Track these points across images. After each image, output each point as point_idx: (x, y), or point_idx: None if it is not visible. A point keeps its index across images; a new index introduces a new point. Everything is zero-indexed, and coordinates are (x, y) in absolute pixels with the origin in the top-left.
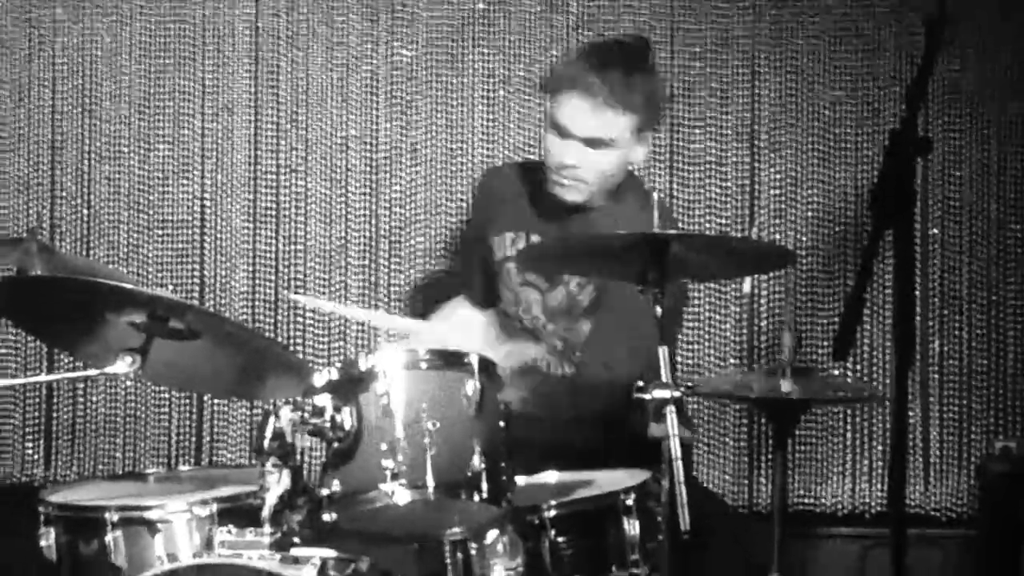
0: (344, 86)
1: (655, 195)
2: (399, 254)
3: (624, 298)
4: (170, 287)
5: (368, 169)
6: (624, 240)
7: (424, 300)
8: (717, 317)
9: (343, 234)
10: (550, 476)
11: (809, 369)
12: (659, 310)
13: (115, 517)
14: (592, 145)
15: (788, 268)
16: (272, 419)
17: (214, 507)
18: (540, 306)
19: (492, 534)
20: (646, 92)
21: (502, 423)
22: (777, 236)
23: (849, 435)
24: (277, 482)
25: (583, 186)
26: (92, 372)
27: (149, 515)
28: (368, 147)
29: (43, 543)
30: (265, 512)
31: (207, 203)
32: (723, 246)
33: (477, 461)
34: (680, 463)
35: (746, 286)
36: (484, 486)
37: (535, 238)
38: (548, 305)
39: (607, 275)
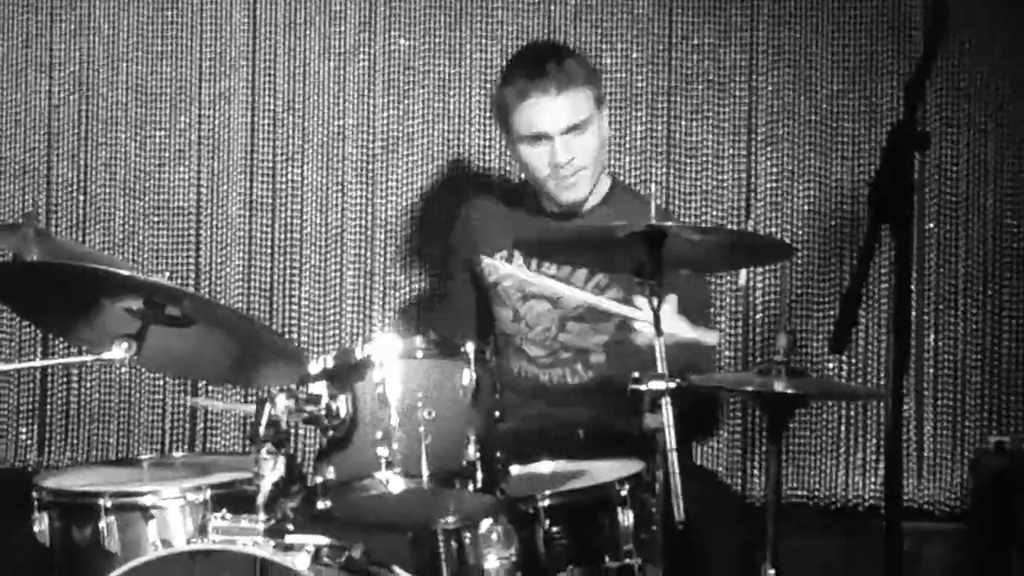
0: (341, 75)
1: (652, 187)
2: (395, 243)
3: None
4: (166, 274)
5: (365, 158)
6: (620, 232)
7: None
8: (712, 311)
9: (339, 223)
10: (544, 466)
11: (804, 370)
12: (656, 301)
13: (109, 503)
14: (573, 132)
15: (784, 263)
16: (267, 406)
17: (208, 493)
18: (551, 317)
19: (486, 523)
20: (582, 66)
21: (497, 412)
22: (773, 229)
23: (843, 428)
24: (272, 469)
25: (584, 174)
26: (87, 358)
27: (143, 501)
28: (365, 136)
29: (36, 528)
30: (259, 499)
31: (203, 191)
32: (719, 237)
33: (472, 450)
34: (675, 454)
35: (741, 279)
36: (479, 475)
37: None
38: (562, 313)
39: (604, 270)
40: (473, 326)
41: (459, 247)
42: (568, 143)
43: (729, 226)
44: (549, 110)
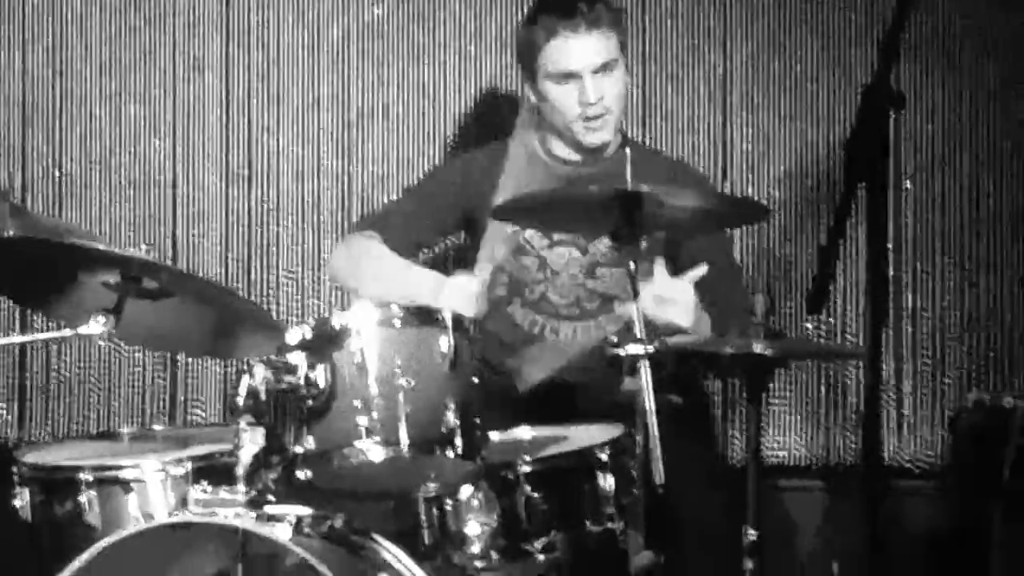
0: (316, 44)
1: (627, 150)
2: (371, 213)
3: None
4: (143, 247)
5: (340, 128)
6: (597, 195)
7: None
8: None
9: (315, 192)
10: (524, 432)
11: (782, 332)
12: (632, 265)
13: (89, 477)
14: (603, 71)
15: (759, 223)
16: (246, 377)
17: (188, 466)
18: (580, 261)
19: (467, 490)
20: (610, 9)
21: (476, 379)
22: (749, 191)
23: (822, 389)
24: (251, 440)
25: (610, 118)
26: (65, 332)
27: (124, 474)
28: (340, 105)
29: (17, 503)
30: (240, 470)
31: (179, 163)
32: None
33: (451, 418)
34: (654, 417)
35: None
36: (458, 442)
37: None
38: (593, 257)
39: (583, 231)
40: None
41: (450, 181)
42: (598, 83)
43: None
44: (579, 48)
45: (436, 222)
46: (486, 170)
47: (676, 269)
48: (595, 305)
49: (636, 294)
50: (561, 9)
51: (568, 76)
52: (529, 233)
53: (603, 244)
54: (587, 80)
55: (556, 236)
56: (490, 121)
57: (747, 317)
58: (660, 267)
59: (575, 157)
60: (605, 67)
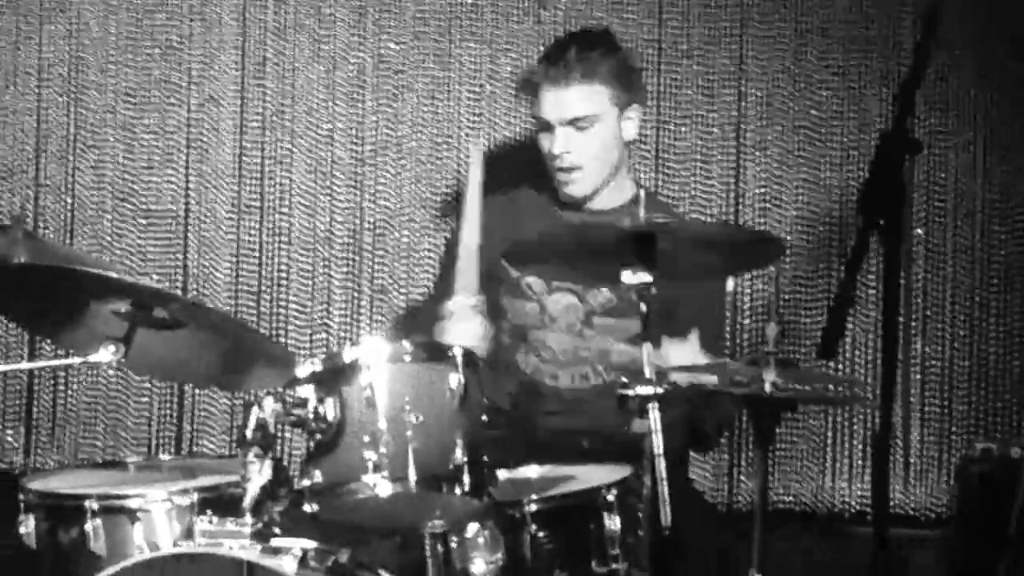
0: (331, 78)
1: (641, 191)
2: (383, 247)
3: (693, 292)
4: (154, 277)
5: (354, 162)
6: (610, 234)
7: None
8: (724, 342)
9: (327, 227)
10: (531, 471)
11: (794, 361)
12: (643, 307)
13: (95, 505)
14: (575, 126)
15: (773, 265)
16: (255, 409)
17: (195, 496)
18: (578, 309)
19: (473, 527)
20: (608, 63)
21: (485, 417)
22: None
23: (830, 434)
24: (259, 472)
25: (580, 173)
26: (75, 360)
27: (129, 504)
28: (354, 140)
29: (23, 530)
30: (246, 502)
31: (192, 193)
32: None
33: (459, 454)
34: (662, 459)
35: (729, 285)
36: (466, 479)
37: None
38: (590, 306)
39: (596, 272)
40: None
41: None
42: (566, 136)
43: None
44: (553, 99)
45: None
46: (503, 217)
47: (672, 323)
48: (590, 354)
49: (648, 337)
50: (555, 54)
51: (546, 124)
52: (530, 279)
53: (602, 295)
54: (559, 132)
55: (555, 283)
56: (503, 160)
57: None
58: None
59: (586, 206)
60: (576, 122)
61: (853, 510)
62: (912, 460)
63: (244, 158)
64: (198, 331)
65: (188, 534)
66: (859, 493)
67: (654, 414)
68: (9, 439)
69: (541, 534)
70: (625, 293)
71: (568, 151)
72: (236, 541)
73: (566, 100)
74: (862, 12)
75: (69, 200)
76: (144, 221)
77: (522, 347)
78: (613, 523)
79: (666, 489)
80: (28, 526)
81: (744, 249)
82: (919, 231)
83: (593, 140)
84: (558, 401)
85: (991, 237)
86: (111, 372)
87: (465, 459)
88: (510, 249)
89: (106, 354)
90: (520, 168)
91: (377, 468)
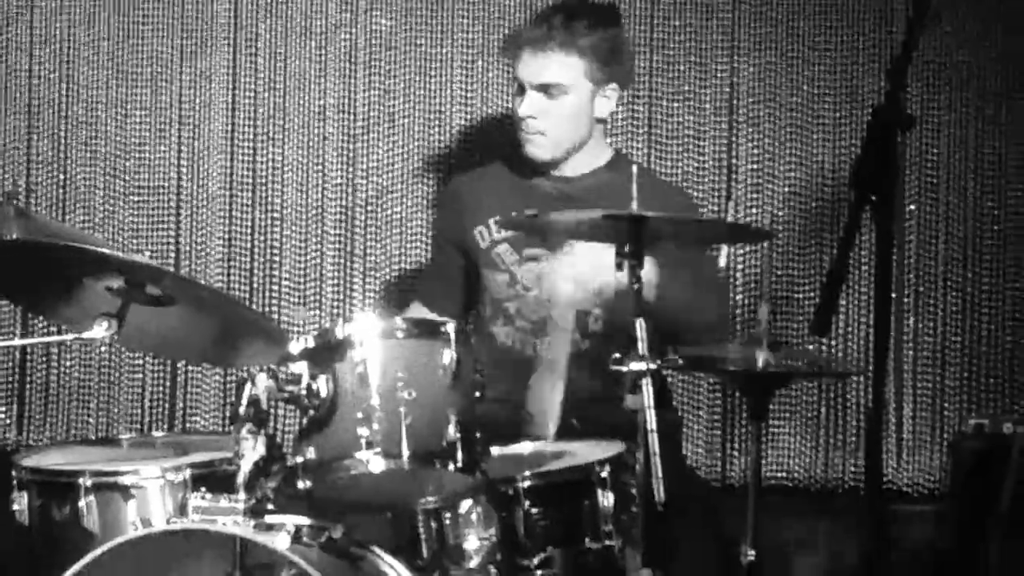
0: (322, 54)
1: (634, 167)
2: (376, 223)
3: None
4: (146, 253)
5: (345, 138)
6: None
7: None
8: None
9: (319, 202)
10: (524, 447)
11: (785, 342)
12: (635, 285)
13: (89, 482)
14: (545, 92)
15: (764, 244)
16: (248, 386)
17: (188, 473)
18: (549, 277)
19: (466, 504)
20: (592, 37)
21: (478, 392)
22: (754, 211)
23: (823, 410)
24: (252, 449)
25: (542, 138)
26: (68, 337)
27: (123, 480)
28: (346, 116)
29: (16, 507)
30: (239, 478)
31: (184, 170)
32: (698, 226)
33: (452, 431)
34: (655, 435)
35: (722, 260)
36: (459, 456)
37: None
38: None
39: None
40: (462, 295)
41: (444, 218)
42: (537, 100)
43: (710, 208)
44: (529, 61)
45: (458, 265)
46: (470, 194)
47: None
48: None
49: (639, 313)
50: (540, 18)
51: (520, 86)
52: (501, 248)
53: None
54: (530, 95)
55: (526, 252)
56: (495, 134)
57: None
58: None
59: (556, 172)
60: (546, 88)
61: (846, 486)
62: (905, 436)
63: (236, 134)
64: (190, 307)
65: (182, 511)
66: (852, 469)
67: (647, 389)
68: (1, 416)
69: (534, 510)
70: None
71: (533, 116)
72: (229, 517)
73: (540, 64)
74: None
75: (61, 176)
76: (136, 198)
77: (500, 318)
78: (606, 499)
79: (659, 465)
80: (21, 503)
81: (734, 235)
82: (911, 207)
83: (561, 109)
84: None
85: (983, 213)
86: (104, 349)
87: (458, 435)
88: (505, 220)
89: (99, 330)
90: (496, 145)
91: (370, 444)
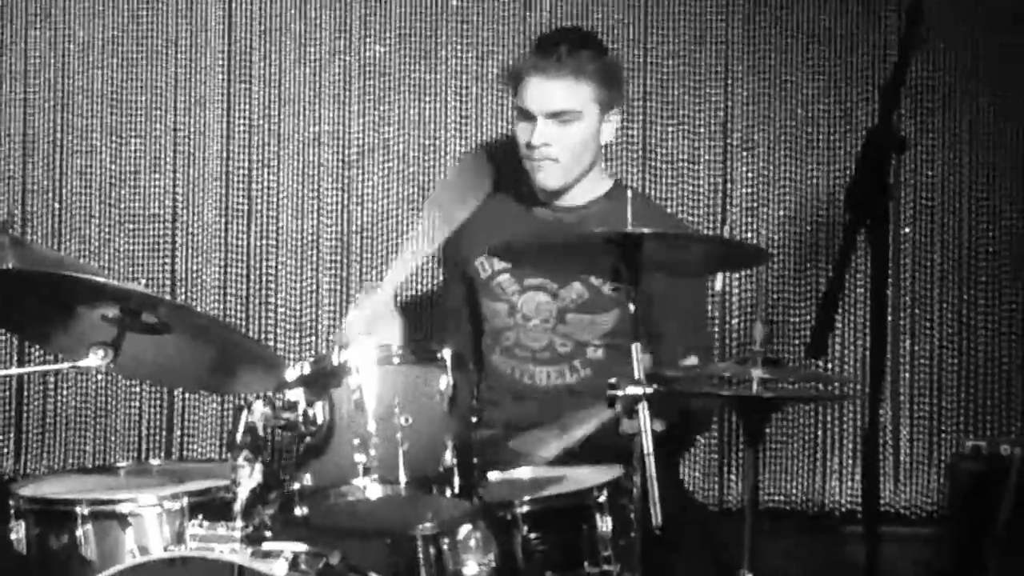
0: (317, 81)
1: (629, 192)
2: (371, 250)
3: (666, 283)
4: (142, 281)
5: (340, 164)
6: (597, 237)
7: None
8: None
9: (315, 229)
10: (523, 472)
11: (781, 359)
12: (632, 307)
13: (86, 510)
14: (556, 119)
15: (760, 269)
16: (245, 413)
17: (185, 501)
18: (550, 307)
19: (464, 529)
20: (596, 64)
21: (474, 419)
22: (749, 234)
23: (820, 433)
24: (249, 476)
25: (555, 165)
26: (64, 365)
27: (120, 508)
28: (340, 142)
29: (13, 536)
30: (237, 506)
31: (179, 198)
32: (695, 244)
33: (449, 456)
34: (652, 459)
35: (717, 283)
36: (456, 481)
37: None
38: (563, 303)
39: (581, 272)
40: (468, 326)
41: (447, 250)
42: (548, 127)
43: (705, 230)
44: (539, 90)
45: (463, 297)
46: (471, 224)
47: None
48: (568, 349)
49: (637, 337)
50: (545, 48)
51: (527, 115)
52: (502, 278)
53: (574, 291)
54: (539, 122)
55: (527, 282)
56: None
57: (703, 355)
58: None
59: (557, 202)
60: (559, 116)
61: (844, 509)
62: (902, 458)
63: (231, 162)
64: (187, 335)
65: (179, 538)
66: (849, 492)
67: (643, 414)
68: None
69: (533, 535)
70: (598, 289)
71: (547, 143)
72: (227, 545)
73: (553, 92)
74: (847, 11)
75: (57, 205)
76: (132, 226)
77: (498, 347)
78: (605, 524)
79: (656, 489)
80: (19, 532)
81: (729, 257)
82: (906, 229)
83: (573, 135)
84: (537, 399)
85: (978, 235)
86: (100, 377)
87: (455, 461)
88: (496, 246)
89: (95, 359)
90: (495, 171)
91: (367, 470)
